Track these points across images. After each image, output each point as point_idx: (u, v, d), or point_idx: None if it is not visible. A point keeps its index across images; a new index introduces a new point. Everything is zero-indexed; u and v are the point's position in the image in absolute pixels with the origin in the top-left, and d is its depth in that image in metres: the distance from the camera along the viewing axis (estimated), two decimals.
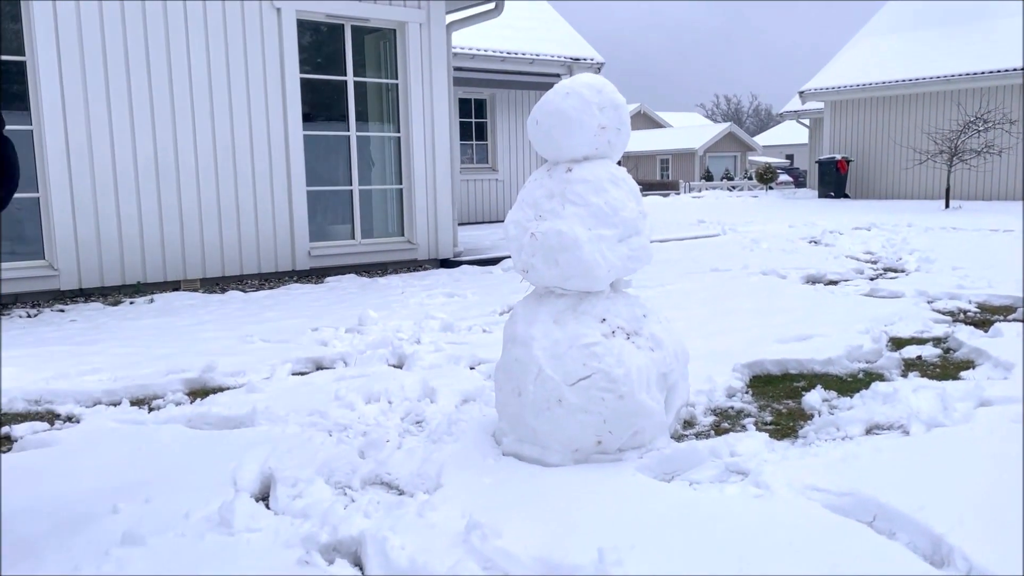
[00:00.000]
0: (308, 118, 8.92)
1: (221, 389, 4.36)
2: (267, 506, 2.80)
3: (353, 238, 9.39)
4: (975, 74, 18.93)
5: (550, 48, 15.23)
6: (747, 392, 4.03)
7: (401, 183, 9.69)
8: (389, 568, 2.30)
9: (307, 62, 8.93)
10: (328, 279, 8.70)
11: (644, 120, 52.95)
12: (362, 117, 9.43)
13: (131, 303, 7.31)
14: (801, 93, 22.86)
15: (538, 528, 2.50)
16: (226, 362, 4.72)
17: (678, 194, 31.01)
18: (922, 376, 4.15)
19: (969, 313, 5.79)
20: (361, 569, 2.36)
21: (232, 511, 2.61)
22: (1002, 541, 2.28)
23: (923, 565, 2.22)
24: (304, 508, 2.70)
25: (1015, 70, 18.28)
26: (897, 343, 4.87)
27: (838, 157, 21.15)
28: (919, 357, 4.56)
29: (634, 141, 46.60)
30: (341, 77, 9.13)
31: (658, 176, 47.14)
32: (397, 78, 9.49)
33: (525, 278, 3.25)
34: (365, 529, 2.48)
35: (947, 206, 16.86)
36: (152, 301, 7.34)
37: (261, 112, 8.45)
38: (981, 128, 17.49)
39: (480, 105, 16.82)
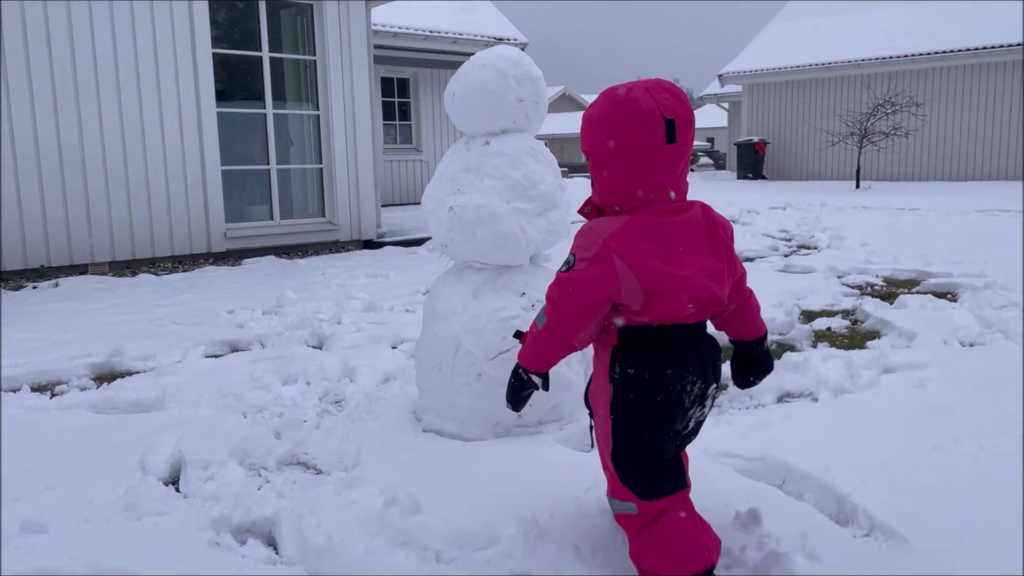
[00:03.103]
0: (222, 95, 8.63)
1: (130, 373, 4.19)
2: (177, 489, 2.71)
3: (272, 219, 9.15)
4: (883, 59, 19.66)
5: (473, 28, 15.11)
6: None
7: (321, 162, 9.49)
8: (305, 547, 2.25)
9: (221, 38, 8.63)
10: (246, 261, 8.46)
11: (568, 103, 53.16)
12: (279, 95, 9.18)
13: (34, 287, 6.97)
14: (720, 76, 23.34)
15: (458, 502, 2.49)
16: (135, 346, 4.55)
17: None
18: (831, 346, 4.30)
19: (876, 287, 6.03)
20: (276, 549, 2.31)
21: (139, 495, 2.52)
22: (901, 499, 2.38)
23: (829, 524, 2.30)
24: (216, 490, 2.62)
25: (921, 55, 19.06)
26: (808, 316, 5.04)
27: (755, 139, 21.70)
28: (828, 328, 4.72)
29: (559, 123, 46.73)
30: (256, 53, 8.86)
31: (584, 158, 47.44)
32: (315, 55, 9.26)
33: (444, 253, 3.22)
34: (280, 509, 2.43)
35: (858, 186, 17.50)
36: (57, 285, 7.01)
37: (171, 88, 8.13)
38: (889, 111, 18.19)
39: (403, 84, 16.59)
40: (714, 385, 2.01)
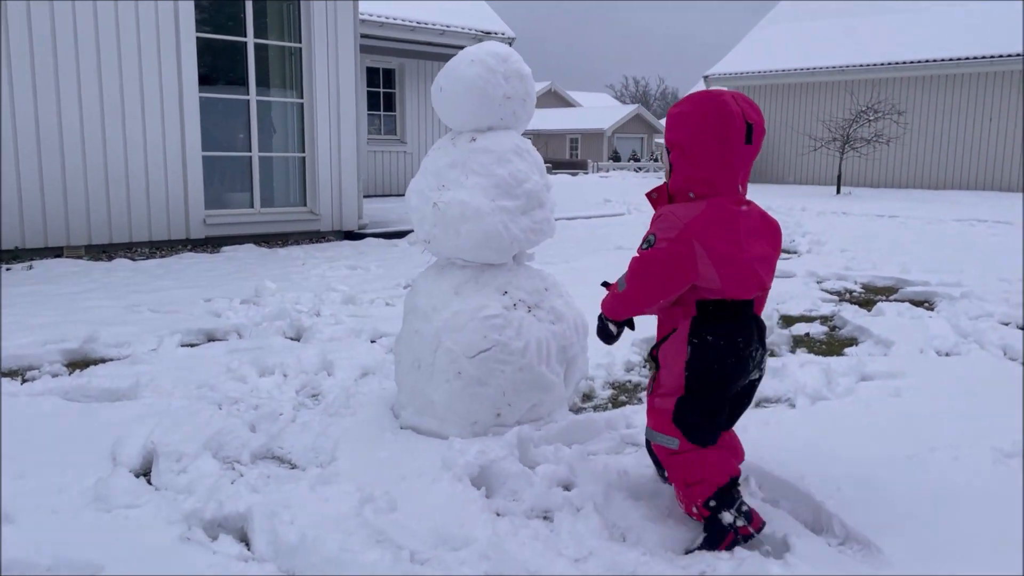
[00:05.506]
0: (205, 80, 8.52)
1: (103, 360, 4.13)
2: (149, 482, 2.67)
3: (252, 207, 9.06)
4: (867, 66, 19.82)
5: (461, 20, 15.03)
6: (645, 366, 4.10)
7: (304, 151, 9.40)
8: (278, 544, 2.22)
9: (205, 22, 8.51)
10: (225, 249, 8.37)
11: (554, 98, 53.16)
12: (263, 81, 9.07)
13: (7, 269, 6.85)
14: (706, 78, 23.41)
15: (434, 502, 2.47)
16: (110, 332, 4.48)
17: (587, 173, 31.35)
18: (809, 352, 4.32)
19: (855, 293, 6.07)
20: (248, 545, 2.28)
21: (109, 486, 2.47)
22: (876, 509, 2.39)
23: (804, 531, 2.31)
24: (188, 483, 2.58)
25: (904, 63, 19.23)
26: (787, 320, 5.06)
27: None
28: (807, 334, 4.75)
29: (544, 119, 46.72)
30: (241, 38, 8.75)
31: (567, 155, 47.51)
32: (301, 42, 9.16)
33: (427, 248, 3.19)
34: (253, 504, 2.39)
35: (838, 192, 17.65)
36: (31, 268, 6.90)
37: (154, 72, 8.01)
38: (871, 118, 18.35)
39: (388, 75, 16.48)
40: (764, 352, 2.36)
